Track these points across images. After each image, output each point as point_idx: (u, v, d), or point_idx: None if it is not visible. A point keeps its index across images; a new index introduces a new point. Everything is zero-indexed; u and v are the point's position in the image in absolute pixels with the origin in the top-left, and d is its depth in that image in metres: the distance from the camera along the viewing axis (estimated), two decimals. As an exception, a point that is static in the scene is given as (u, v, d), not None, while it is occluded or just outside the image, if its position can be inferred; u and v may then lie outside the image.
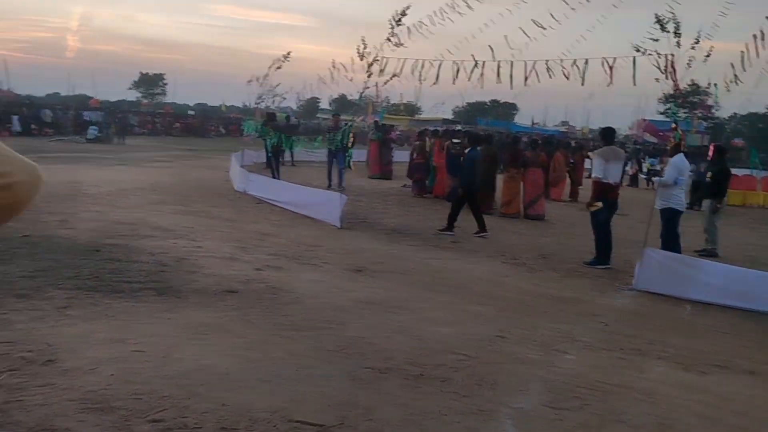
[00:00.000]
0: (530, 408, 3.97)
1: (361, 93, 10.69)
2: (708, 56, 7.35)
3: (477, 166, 10.87)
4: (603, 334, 5.80)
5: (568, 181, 17.74)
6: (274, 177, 14.83)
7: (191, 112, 58.01)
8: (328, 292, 6.40)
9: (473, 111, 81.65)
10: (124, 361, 4.19)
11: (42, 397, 3.54)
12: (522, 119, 74.05)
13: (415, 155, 16.73)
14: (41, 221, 8.94)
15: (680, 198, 8.67)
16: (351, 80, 10.82)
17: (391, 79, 9.95)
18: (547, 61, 8.84)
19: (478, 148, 11.27)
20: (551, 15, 9.49)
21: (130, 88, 76.56)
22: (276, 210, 11.67)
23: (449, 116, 66.71)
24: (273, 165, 15.60)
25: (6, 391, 3.59)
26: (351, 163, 12.37)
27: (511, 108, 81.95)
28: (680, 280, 7.31)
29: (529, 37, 10.21)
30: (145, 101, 63.83)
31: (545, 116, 79.02)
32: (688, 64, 7.19)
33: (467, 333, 5.42)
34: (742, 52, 7.42)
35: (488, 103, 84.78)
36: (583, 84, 9.20)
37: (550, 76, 9.16)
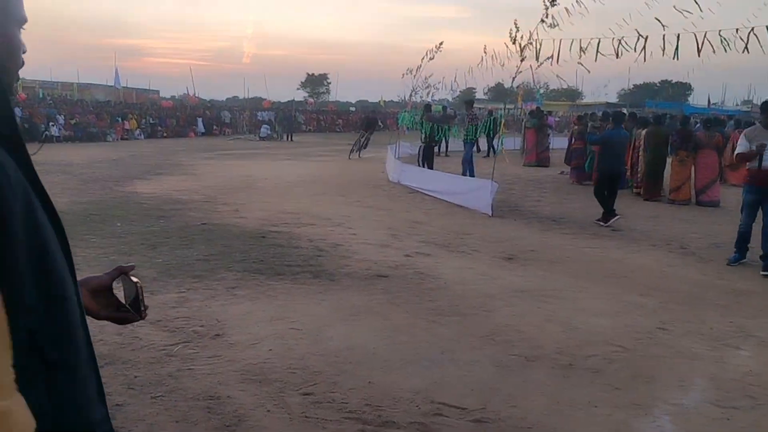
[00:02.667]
0: (692, 405, 3.65)
1: (514, 78, 10.42)
2: None
3: (617, 147, 10.06)
4: (786, 331, 5.18)
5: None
6: (425, 167, 14.91)
7: (352, 109, 60.38)
8: (477, 279, 6.36)
9: (641, 93, 76.35)
10: (281, 338, 4.49)
11: (209, 367, 3.91)
12: (697, 99, 67.82)
13: (573, 140, 16.04)
14: (217, 211, 9.84)
15: None
16: (503, 66, 10.60)
17: (545, 61, 9.56)
18: (720, 31, 8.00)
19: (623, 128, 10.39)
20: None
21: (298, 89, 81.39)
22: (428, 199, 11.79)
23: (613, 99, 62.98)
24: (424, 155, 15.60)
25: (180, 361, 4.01)
26: (503, 151, 12.08)
27: (684, 88, 75.39)
28: None
29: (700, 8, 9.35)
30: (310, 100, 67.44)
31: (723, 95, 71.67)
32: None
33: (624, 324, 5.11)
34: None
35: (658, 84, 78.82)
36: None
37: (726, 50, 8.28)
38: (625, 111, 20.13)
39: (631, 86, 75.41)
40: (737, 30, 7.99)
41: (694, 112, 33.92)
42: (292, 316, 4.97)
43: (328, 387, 3.72)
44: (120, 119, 28.88)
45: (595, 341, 4.64)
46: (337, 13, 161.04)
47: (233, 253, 6.91)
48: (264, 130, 32.88)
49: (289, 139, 32.33)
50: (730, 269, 7.24)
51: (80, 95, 36.68)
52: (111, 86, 36.32)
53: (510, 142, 24.43)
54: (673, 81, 74.09)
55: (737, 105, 57.03)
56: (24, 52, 1.22)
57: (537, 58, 10.15)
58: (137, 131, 29.74)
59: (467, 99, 18.08)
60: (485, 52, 11.28)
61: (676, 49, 8.23)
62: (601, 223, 9.70)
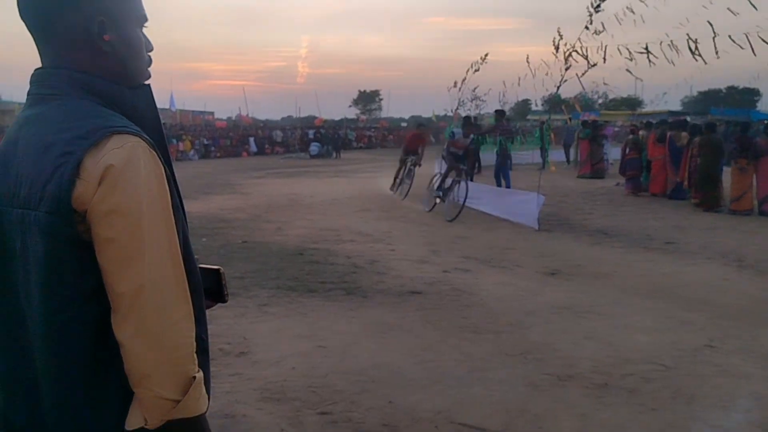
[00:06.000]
0: (732, 426, 3.37)
1: (558, 87, 10.17)
2: None
3: None
4: None
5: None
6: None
7: (404, 124, 60.55)
8: (516, 295, 6.16)
9: (706, 100, 73.63)
10: (306, 356, 4.43)
11: (230, 385, 3.88)
12: (767, 105, 64.91)
13: (628, 150, 15.54)
14: (260, 228, 9.94)
15: None
16: (547, 75, 10.38)
17: (589, 69, 9.31)
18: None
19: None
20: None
21: (350, 106, 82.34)
22: (472, 213, 11.59)
23: (677, 107, 61.02)
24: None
25: (202, 377, 3.99)
26: (550, 163, 11.84)
27: (752, 94, 72.34)
28: None
29: (755, 6, 8.94)
30: (363, 117, 68.06)
31: (797, 100, 68.31)
32: None
33: (669, 341, 4.82)
34: None
35: (724, 91, 75.85)
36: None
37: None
38: (687, 119, 19.52)
39: (695, 93, 72.91)
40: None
41: (762, 118, 32.42)
42: (319, 334, 4.90)
43: (347, 406, 3.62)
44: (174, 141, 29.77)
45: (634, 359, 4.39)
46: (390, 29, 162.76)
47: (269, 271, 6.93)
48: (314, 147, 33.29)
49: (338, 156, 32.61)
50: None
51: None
52: (167, 109, 37.57)
53: (559, 154, 24.13)
54: (740, 87, 71.22)
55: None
56: (150, 50, 1.33)
57: (588, 64, 9.91)
58: (191, 152, 30.59)
59: (499, 110, 17.17)
60: (528, 62, 11.12)
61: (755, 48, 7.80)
62: None
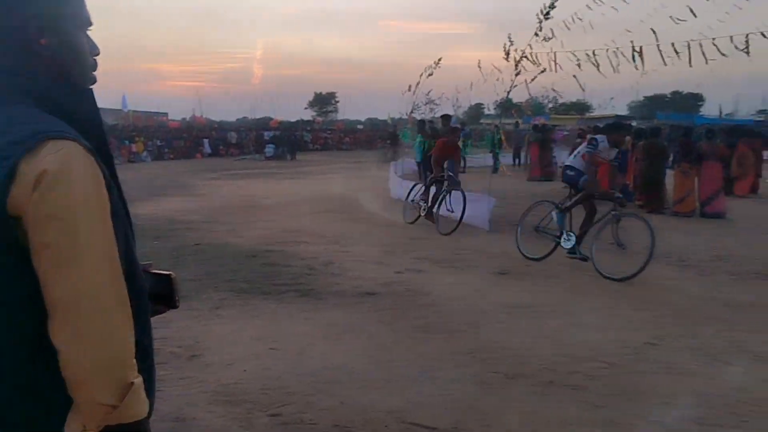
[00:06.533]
0: (672, 422, 3.52)
1: (508, 92, 10.37)
2: None
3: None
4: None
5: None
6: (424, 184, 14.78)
7: (360, 127, 60.57)
8: (468, 295, 6.26)
9: (652, 105, 75.98)
10: (259, 358, 4.42)
11: (181, 388, 3.84)
12: (709, 110, 67.41)
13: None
14: (214, 230, 9.83)
15: None
16: (497, 81, 10.57)
17: (538, 75, 9.52)
18: (714, 39, 7.93)
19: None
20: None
21: (306, 108, 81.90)
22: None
23: (624, 112, 62.76)
24: (422, 171, 15.46)
25: (152, 382, 3.94)
26: (502, 167, 12.03)
27: (695, 99, 75.04)
28: None
29: (695, 14, 9.28)
30: (319, 119, 67.76)
31: (737, 105, 71.19)
32: None
33: (614, 340, 4.98)
34: None
35: (669, 96, 78.42)
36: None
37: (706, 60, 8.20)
38: (634, 123, 20.16)
39: (642, 98, 75.20)
40: (731, 37, 7.93)
41: (705, 122, 33.73)
42: (273, 336, 4.89)
43: (299, 408, 3.63)
44: (127, 142, 29.11)
45: (580, 357, 4.52)
46: (347, 31, 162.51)
47: (223, 273, 6.87)
48: (269, 149, 33.03)
49: (293, 158, 32.42)
50: (731, 282, 7.08)
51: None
52: (119, 110, 36.69)
53: (510, 158, 24.57)
54: (684, 92, 73.76)
55: (752, 114, 56.61)
56: (96, 54, 1.31)
57: (538, 71, 10.12)
58: (144, 153, 29.96)
59: (444, 114, 16.91)
60: (480, 67, 11.30)
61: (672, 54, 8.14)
62: None
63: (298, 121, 51.85)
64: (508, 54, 9.51)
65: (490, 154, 21.25)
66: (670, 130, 17.55)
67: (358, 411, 3.60)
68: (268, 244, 8.65)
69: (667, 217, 11.97)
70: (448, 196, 10.05)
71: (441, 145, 10.92)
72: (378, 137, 40.30)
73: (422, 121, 16.14)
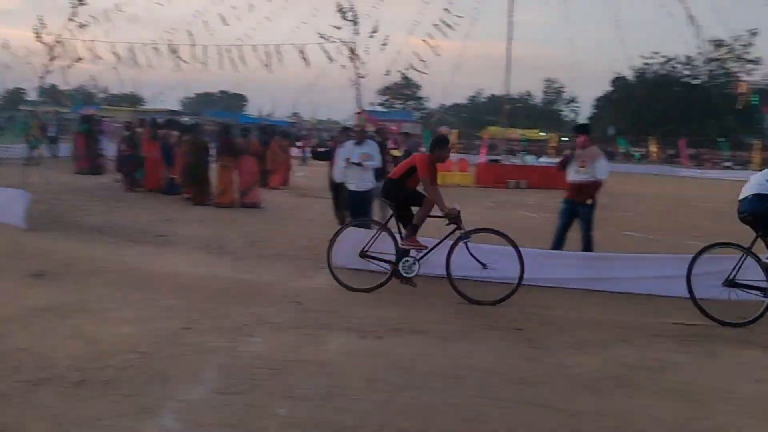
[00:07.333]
0: (198, 398, 3.86)
1: (42, 77, 9.52)
2: (385, 45, 8.02)
3: None
4: (295, 314, 5.89)
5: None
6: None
7: None
8: (-7, 303, 5.58)
9: (202, 102, 79.38)
10: None
11: None
12: (252, 110, 74.09)
13: (123, 147, 15.60)
14: None
15: None
16: (29, 63, 9.61)
17: (75, 63, 9.01)
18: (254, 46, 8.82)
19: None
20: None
21: None
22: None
23: (176, 107, 63.96)
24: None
25: None
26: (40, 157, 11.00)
27: (240, 99, 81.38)
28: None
29: (227, 23, 10.11)
30: None
31: (274, 108, 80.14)
32: (366, 51, 7.75)
33: (150, 329, 5.13)
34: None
35: (218, 94, 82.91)
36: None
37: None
38: (187, 119, 20.73)
39: (193, 94, 77.80)
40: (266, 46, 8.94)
41: (248, 121, 37.05)
42: None
43: None
44: None
45: (113, 351, 4.52)
46: None
47: None
48: None
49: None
50: (261, 265, 7.99)
51: None
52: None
53: (65, 149, 22.54)
54: (231, 92, 79.09)
55: (287, 117, 64.27)
56: None
57: (74, 57, 9.53)
58: None
59: None
60: (9, 47, 10.08)
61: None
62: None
63: None
64: (39, 37, 8.69)
65: (27, 145, 19.03)
66: (218, 127, 18.84)
67: None
68: None
69: (211, 208, 12.79)
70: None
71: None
72: None
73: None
